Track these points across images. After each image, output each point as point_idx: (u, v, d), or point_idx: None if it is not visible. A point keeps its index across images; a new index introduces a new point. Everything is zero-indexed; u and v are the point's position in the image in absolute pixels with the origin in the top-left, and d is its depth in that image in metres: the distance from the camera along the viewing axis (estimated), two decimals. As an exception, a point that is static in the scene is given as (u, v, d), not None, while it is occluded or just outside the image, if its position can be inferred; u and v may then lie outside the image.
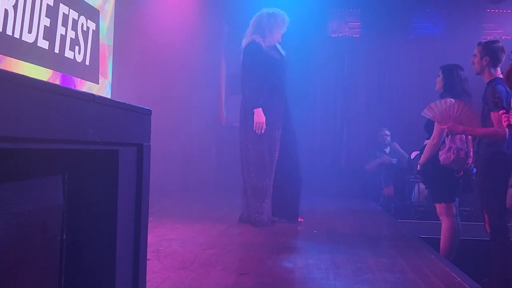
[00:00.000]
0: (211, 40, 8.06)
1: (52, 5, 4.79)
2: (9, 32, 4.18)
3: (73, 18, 5.24)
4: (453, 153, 4.29)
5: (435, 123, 4.38)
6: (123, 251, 1.54)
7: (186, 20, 7.72)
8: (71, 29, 5.22)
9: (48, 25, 4.76)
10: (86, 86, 5.72)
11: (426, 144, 4.59)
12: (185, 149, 8.02)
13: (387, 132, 8.02)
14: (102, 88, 6.20)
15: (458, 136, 4.33)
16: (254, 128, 4.84)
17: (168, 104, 7.40)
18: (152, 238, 3.84)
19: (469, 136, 4.33)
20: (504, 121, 3.42)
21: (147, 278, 1.78)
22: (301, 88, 7.45)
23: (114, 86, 6.57)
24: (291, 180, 5.06)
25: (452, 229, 4.50)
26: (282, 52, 5.09)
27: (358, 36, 8.78)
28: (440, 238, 4.60)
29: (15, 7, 4.21)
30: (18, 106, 1.04)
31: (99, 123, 1.38)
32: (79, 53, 5.46)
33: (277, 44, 5.06)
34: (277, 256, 3.65)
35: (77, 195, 1.47)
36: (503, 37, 7.77)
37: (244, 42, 5.00)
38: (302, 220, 5.12)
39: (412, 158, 6.82)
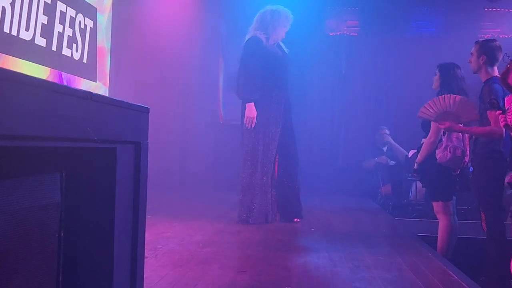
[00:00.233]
0: (209, 38, 8.06)
1: (49, 2, 4.78)
2: (6, 29, 4.17)
3: (70, 16, 5.23)
4: (450, 152, 4.30)
5: (432, 121, 4.38)
6: (121, 249, 1.55)
7: (184, 18, 7.71)
8: (69, 27, 5.21)
9: (46, 23, 4.75)
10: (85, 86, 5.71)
11: (423, 143, 4.60)
12: (183, 147, 8.02)
13: (387, 131, 8.01)
14: (98, 88, 6.19)
15: (455, 135, 4.34)
16: (245, 122, 4.85)
17: (166, 102, 7.40)
18: (150, 236, 3.83)
19: (466, 135, 4.34)
20: (501, 122, 3.43)
21: (144, 276, 1.79)
22: (298, 86, 7.46)
23: (111, 84, 6.55)
24: (289, 179, 5.05)
25: (449, 227, 4.51)
26: (286, 49, 5.09)
27: (356, 34, 8.78)
28: (437, 236, 4.61)
29: (12, 4, 4.20)
30: (15, 104, 1.04)
31: (97, 121, 1.38)
32: (76, 51, 5.45)
33: (280, 42, 5.05)
34: (275, 254, 3.65)
35: (75, 193, 1.47)
36: (501, 36, 7.77)
37: (246, 37, 5.00)
38: (299, 220, 5.10)
39: (409, 156, 6.83)
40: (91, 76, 5.94)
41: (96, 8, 5.96)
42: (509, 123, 3.32)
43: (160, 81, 7.53)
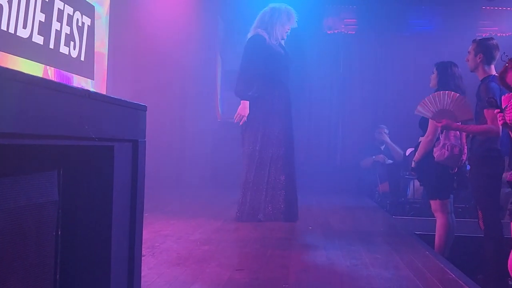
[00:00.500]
0: (206, 36, 8.05)
1: (47, 0, 4.77)
2: (3, 27, 4.16)
3: (68, 14, 5.21)
4: (448, 150, 4.30)
5: (429, 120, 4.39)
6: (118, 247, 1.55)
7: (182, 16, 7.70)
8: (66, 25, 5.20)
9: (43, 21, 4.74)
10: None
11: (420, 141, 4.60)
12: (181, 145, 8.02)
13: (385, 130, 8.00)
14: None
15: (452, 133, 4.34)
16: (234, 117, 4.86)
17: (164, 100, 7.39)
18: (147, 234, 3.84)
19: (464, 133, 4.35)
20: (500, 120, 3.43)
21: (142, 274, 1.79)
22: (296, 84, 7.46)
23: (109, 83, 6.55)
24: (286, 177, 5.00)
25: (446, 225, 4.52)
26: (286, 49, 5.07)
27: (354, 33, 8.78)
28: (434, 234, 4.61)
29: (10, 2, 4.19)
30: (12, 102, 1.04)
31: (94, 119, 1.38)
32: (74, 49, 5.44)
33: (281, 41, 5.03)
34: (272, 252, 3.66)
35: (72, 191, 1.47)
36: (498, 35, 7.78)
37: (248, 35, 4.99)
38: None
39: (407, 155, 6.83)
40: (89, 74, 5.93)
41: (93, 6, 5.95)
42: (508, 122, 3.32)
43: (158, 79, 7.52)
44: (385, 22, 8.29)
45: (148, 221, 4.32)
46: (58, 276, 1.45)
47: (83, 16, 5.60)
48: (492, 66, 4.12)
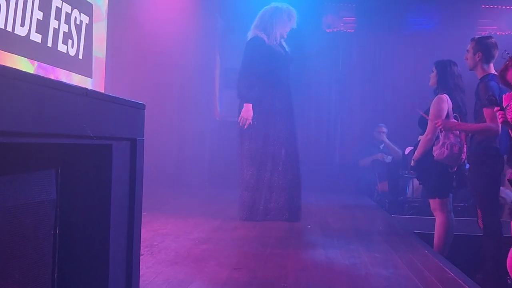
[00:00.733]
0: (205, 35, 8.04)
1: (45, -2, 4.76)
2: (1, 25, 4.15)
3: (66, 12, 5.20)
4: (447, 149, 4.30)
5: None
6: (117, 246, 1.54)
7: (181, 15, 7.68)
8: (64, 23, 5.18)
9: (41, 19, 4.73)
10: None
11: (420, 140, 4.60)
12: (179, 143, 8.00)
13: (384, 129, 8.00)
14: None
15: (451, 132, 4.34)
16: (239, 121, 4.84)
17: (162, 99, 7.37)
18: (146, 232, 3.83)
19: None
20: (500, 118, 3.43)
21: (140, 273, 1.78)
22: (295, 83, 7.45)
23: (107, 81, 6.53)
24: (290, 178, 4.97)
25: (445, 224, 4.52)
26: (287, 48, 5.06)
27: (353, 31, 8.78)
28: (433, 233, 4.62)
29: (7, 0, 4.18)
30: (11, 100, 1.03)
31: (93, 118, 1.37)
32: (72, 47, 5.43)
33: (281, 40, 5.02)
34: (271, 251, 3.65)
35: (70, 189, 1.46)
36: (498, 33, 7.78)
37: (248, 36, 4.97)
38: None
39: (406, 153, 6.83)
40: (87, 72, 5.91)
41: (92, 4, 5.93)
42: (510, 120, 3.32)
43: (156, 78, 7.51)
44: (384, 21, 8.29)
45: (147, 220, 4.32)
46: (56, 274, 1.44)
47: (81, 14, 5.59)
48: (491, 65, 4.11)
